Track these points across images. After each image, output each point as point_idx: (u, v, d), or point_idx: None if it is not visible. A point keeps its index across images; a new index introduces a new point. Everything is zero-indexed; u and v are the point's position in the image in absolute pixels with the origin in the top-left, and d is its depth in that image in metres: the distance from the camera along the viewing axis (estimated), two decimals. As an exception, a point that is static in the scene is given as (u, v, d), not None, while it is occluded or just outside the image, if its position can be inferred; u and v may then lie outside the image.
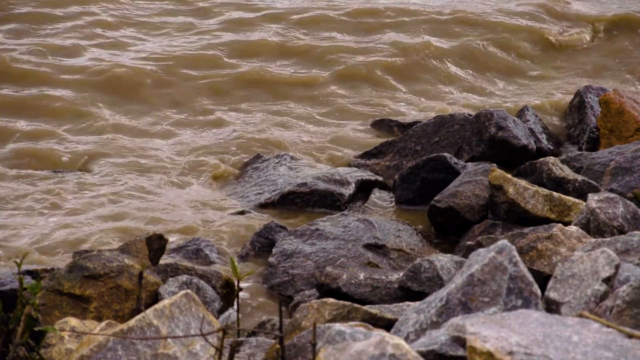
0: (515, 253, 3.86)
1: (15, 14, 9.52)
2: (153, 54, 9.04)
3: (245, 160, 7.52)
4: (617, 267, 4.04)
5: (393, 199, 6.82)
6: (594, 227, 5.37)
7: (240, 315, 4.38)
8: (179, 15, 9.93)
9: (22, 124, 7.94)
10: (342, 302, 4.42)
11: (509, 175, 5.95)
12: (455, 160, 6.68)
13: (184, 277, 5.13)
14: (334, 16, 9.78)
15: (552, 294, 4.05)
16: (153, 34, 9.51)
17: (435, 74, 8.96)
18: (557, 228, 5.16)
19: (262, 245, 6.19)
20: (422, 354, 3.57)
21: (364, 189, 6.96)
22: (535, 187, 5.86)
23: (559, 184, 6.19)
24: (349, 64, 8.97)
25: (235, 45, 9.28)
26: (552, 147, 7.46)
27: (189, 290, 4.03)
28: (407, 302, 4.77)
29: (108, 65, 8.73)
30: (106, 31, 9.44)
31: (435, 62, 9.04)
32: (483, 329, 3.34)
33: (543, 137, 7.49)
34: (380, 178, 7.12)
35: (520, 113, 7.76)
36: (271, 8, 10.02)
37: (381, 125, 8.19)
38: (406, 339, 3.84)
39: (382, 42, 9.35)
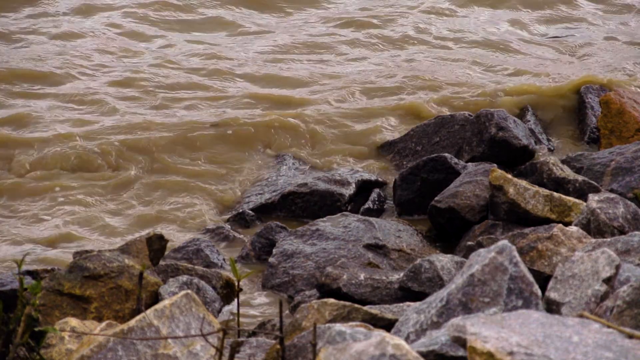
0: (515, 253, 3.86)
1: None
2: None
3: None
4: (617, 267, 4.03)
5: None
6: (595, 228, 5.36)
7: (240, 316, 4.38)
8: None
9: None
10: (342, 302, 4.42)
11: (510, 176, 5.95)
12: (456, 160, 6.68)
13: (184, 278, 5.13)
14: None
15: (552, 294, 4.05)
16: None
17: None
18: (557, 228, 5.16)
19: (262, 245, 6.18)
20: (422, 354, 3.57)
21: (364, 189, 6.96)
22: (536, 188, 5.86)
23: (560, 184, 6.19)
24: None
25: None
26: (552, 148, 7.46)
27: (189, 291, 4.03)
28: (408, 303, 4.77)
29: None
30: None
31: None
32: (483, 329, 3.34)
33: (543, 137, 7.48)
34: (380, 178, 7.12)
35: (521, 113, 7.76)
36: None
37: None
38: (406, 339, 3.84)
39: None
